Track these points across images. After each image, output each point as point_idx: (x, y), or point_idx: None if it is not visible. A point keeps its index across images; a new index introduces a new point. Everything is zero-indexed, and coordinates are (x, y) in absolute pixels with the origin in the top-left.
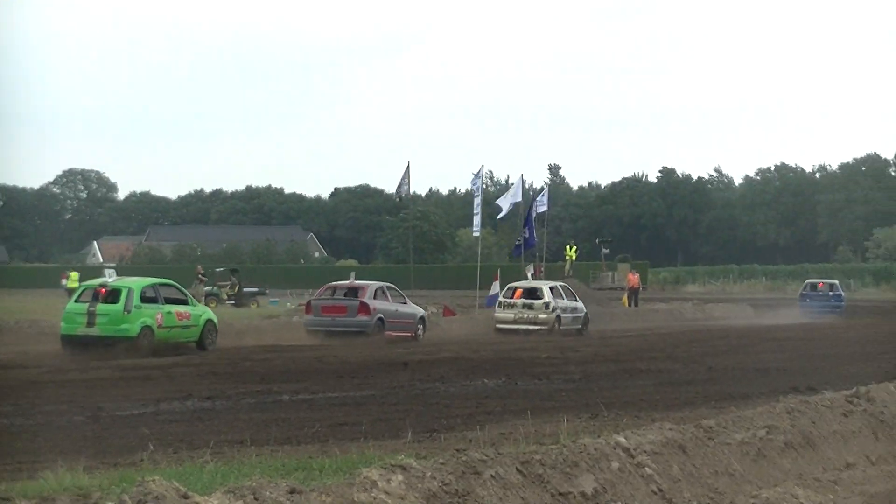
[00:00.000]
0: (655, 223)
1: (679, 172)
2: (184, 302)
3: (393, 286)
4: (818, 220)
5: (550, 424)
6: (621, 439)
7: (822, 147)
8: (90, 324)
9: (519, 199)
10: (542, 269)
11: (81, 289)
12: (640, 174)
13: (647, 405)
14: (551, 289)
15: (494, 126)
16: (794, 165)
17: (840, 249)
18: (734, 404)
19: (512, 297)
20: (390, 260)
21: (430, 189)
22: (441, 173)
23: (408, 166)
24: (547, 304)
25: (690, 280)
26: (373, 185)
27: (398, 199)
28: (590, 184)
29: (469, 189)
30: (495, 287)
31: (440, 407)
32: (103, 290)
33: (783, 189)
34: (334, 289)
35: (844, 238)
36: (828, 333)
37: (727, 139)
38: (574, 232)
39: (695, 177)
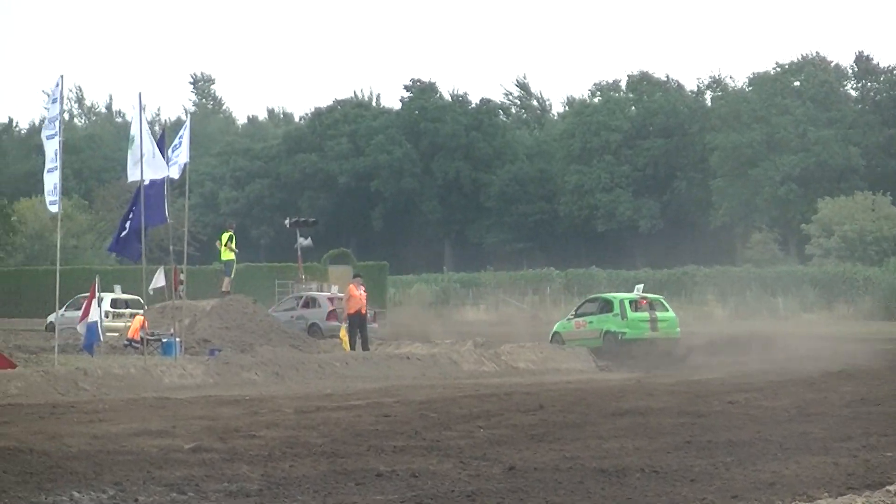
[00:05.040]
0: (401, 188)
1: (445, 91)
2: None
3: None
4: (711, 183)
5: None
6: None
7: (722, 50)
8: (653, 329)
9: (160, 153)
10: (183, 274)
11: (629, 299)
12: (369, 95)
13: None
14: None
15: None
16: (664, 79)
17: (756, 238)
18: None
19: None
20: None
21: None
22: None
23: None
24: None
25: (471, 297)
26: None
27: None
28: (272, 111)
29: (37, 123)
30: (94, 312)
31: None
32: (644, 301)
33: (643, 123)
34: None
35: (762, 217)
36: (737, 402)
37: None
38: (246, 205)
39: (475, 98)
